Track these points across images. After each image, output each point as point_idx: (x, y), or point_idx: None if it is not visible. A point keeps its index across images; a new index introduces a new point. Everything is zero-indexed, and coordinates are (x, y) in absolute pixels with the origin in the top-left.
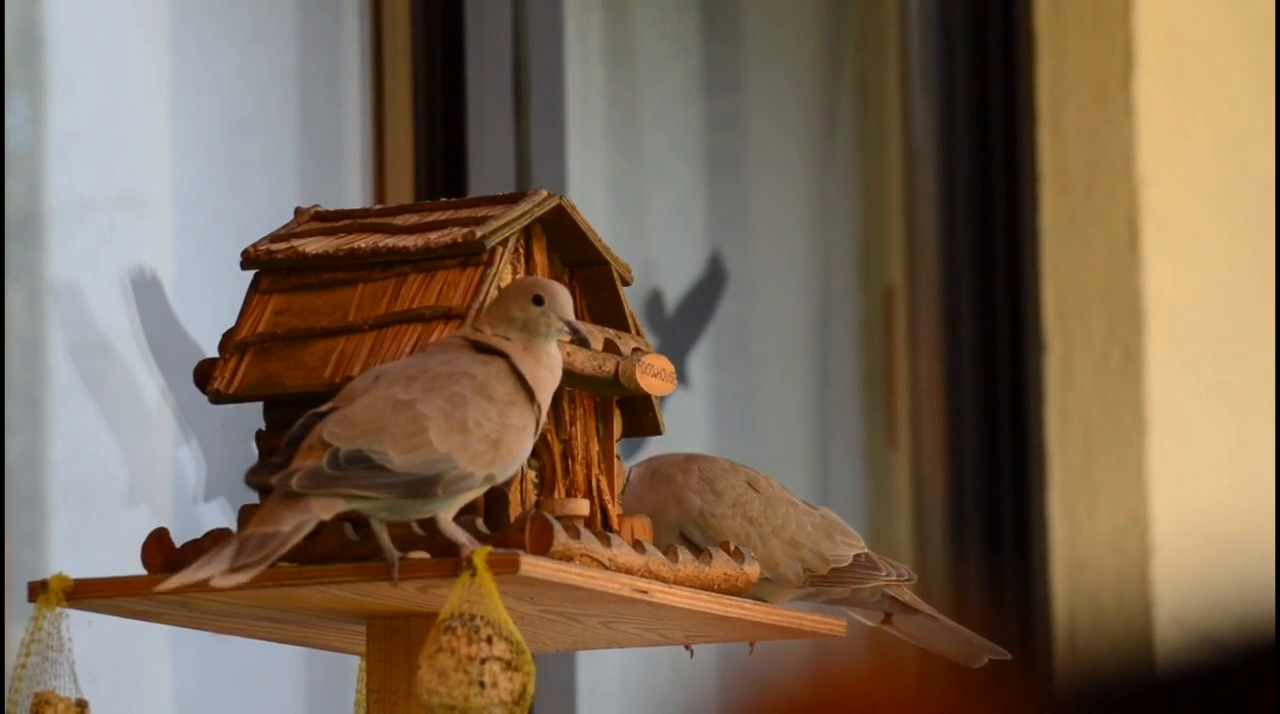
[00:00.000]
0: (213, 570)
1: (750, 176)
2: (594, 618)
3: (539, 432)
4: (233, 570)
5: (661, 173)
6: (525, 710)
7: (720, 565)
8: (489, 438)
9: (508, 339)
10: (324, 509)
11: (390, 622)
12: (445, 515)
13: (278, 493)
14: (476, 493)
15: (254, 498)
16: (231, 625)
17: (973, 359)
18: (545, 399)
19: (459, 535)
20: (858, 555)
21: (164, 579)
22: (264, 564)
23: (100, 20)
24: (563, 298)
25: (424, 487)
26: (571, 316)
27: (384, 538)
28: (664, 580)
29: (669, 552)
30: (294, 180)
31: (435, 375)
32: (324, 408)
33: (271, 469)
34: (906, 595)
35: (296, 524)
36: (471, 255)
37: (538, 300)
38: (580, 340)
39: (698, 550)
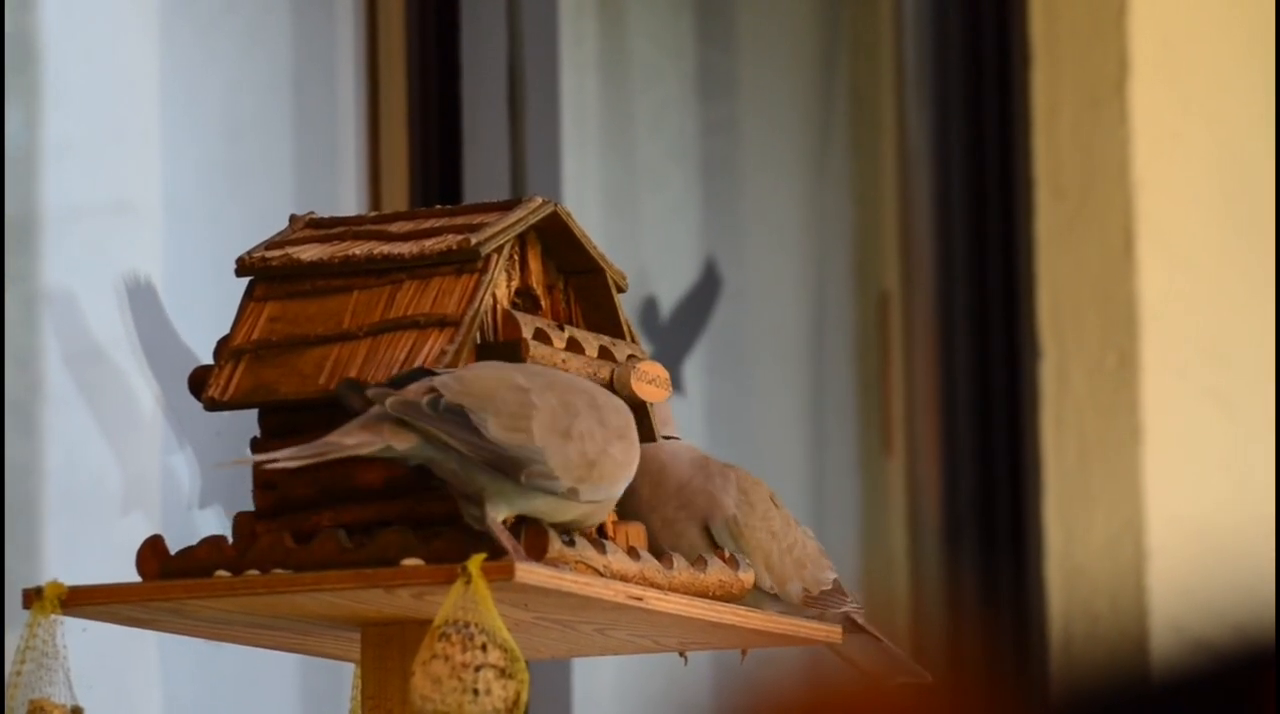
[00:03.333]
0: (270, 455)
1: (745, 183)
2: (589, 625)
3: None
4: (288, 458)
5: (656, 179)
6: None
7: (715, 572)
8: (586, 455)
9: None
10: (394, 437)
11: (385, 628)
12: (495, 515)
13: (366, 415)
14: (556, 505)
15: (248, 505)
16: (226, 633)
17: (968, 365)
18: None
19: (503, 538)
20: (834, 580)
21: (160, 585)
22: (313, 460)
23: (95, 27)
24: None
25: (509, 465)
26: None
27: (496, 528)
28: (659, 587)
29: (664, 559)
30: (288, 187)
31: (557, 380)
32: (440, 370)
33: (366, 388)
34: (861, 617)
35: (360, 441)
36: (466, 262)
37: None
38: None
39: (705, 558)
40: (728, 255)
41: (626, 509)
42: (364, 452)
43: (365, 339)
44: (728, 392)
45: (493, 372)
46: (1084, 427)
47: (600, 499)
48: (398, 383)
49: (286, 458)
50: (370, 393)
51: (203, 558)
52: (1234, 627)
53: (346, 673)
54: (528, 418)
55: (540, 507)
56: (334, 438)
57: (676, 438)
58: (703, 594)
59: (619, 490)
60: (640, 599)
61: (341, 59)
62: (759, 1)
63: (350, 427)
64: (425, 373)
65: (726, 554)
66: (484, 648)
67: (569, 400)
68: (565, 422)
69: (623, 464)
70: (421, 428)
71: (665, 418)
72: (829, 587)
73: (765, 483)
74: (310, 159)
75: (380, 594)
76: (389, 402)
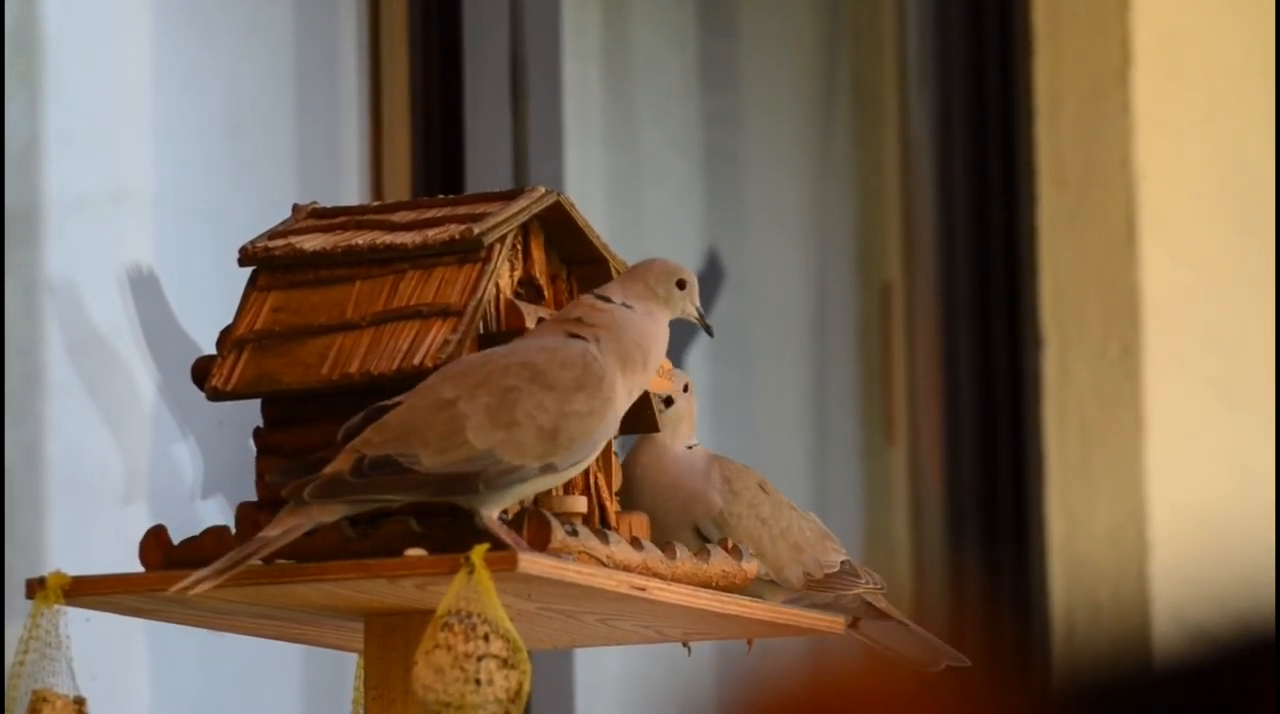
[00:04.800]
0: (198, 576)
1: (747, 173)
2: (592, 615)
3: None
4: (213, 575)
5: (659, 169)
6: (521, 708)
7: (718, 563)
8: (543, 429)
9: (629, 307)
10: (323, 512)
11: (388, 619)
12: (489, 512)
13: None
14: (541, 483)
15: (251, 494)
16: (229, 623)
17: (970, 355)
18: (655, 362)
19: (502, 534)
20: (843, 562)
21: (163, 576)
22: (243, 564)
23: (96, 18)
24: (696, 286)
25: (459, 485)
26: (699, 304)
27: (495, 526)
28: (662, 577)
29: (666, 549)
30: (291, 177)
31: (492, 369)
32: (390, 402)
33: (300, 471)
34: (882, 602)
35: (287, 528)
36: (469, 252)
37: (681, 284)
38: (707, 328)
39: (696, 550)
40: (730, 245)
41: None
42: (294, 536)
43: (368, 329)
44: (730, 381)
45: (418, 396)
46: (1086, 416)
47: (582, 458)
48: (350, 433)
49: (212, 574)
50: (284, 492)
51: (206, 548)
52: (1235, 616)
53: (349, 663)
54: (460, 431)
55: (529, 490)
56: (263, 534)
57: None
58: (706, 584)
59: (601, 437)
60: (643, 589)
61: (344, 49)
62: None
63: (279, 516)
64: (378, 411)
65: (730, 544)
66: (486, 638)
67: (504, 386)
68: (505, 414)
69: (589, 414)
70: (349, 500)
71: (691, 425)
72: (835, 569)
73: (753, 469)
74: (312, 149)
75: (383, 584)
76: (307, 493)
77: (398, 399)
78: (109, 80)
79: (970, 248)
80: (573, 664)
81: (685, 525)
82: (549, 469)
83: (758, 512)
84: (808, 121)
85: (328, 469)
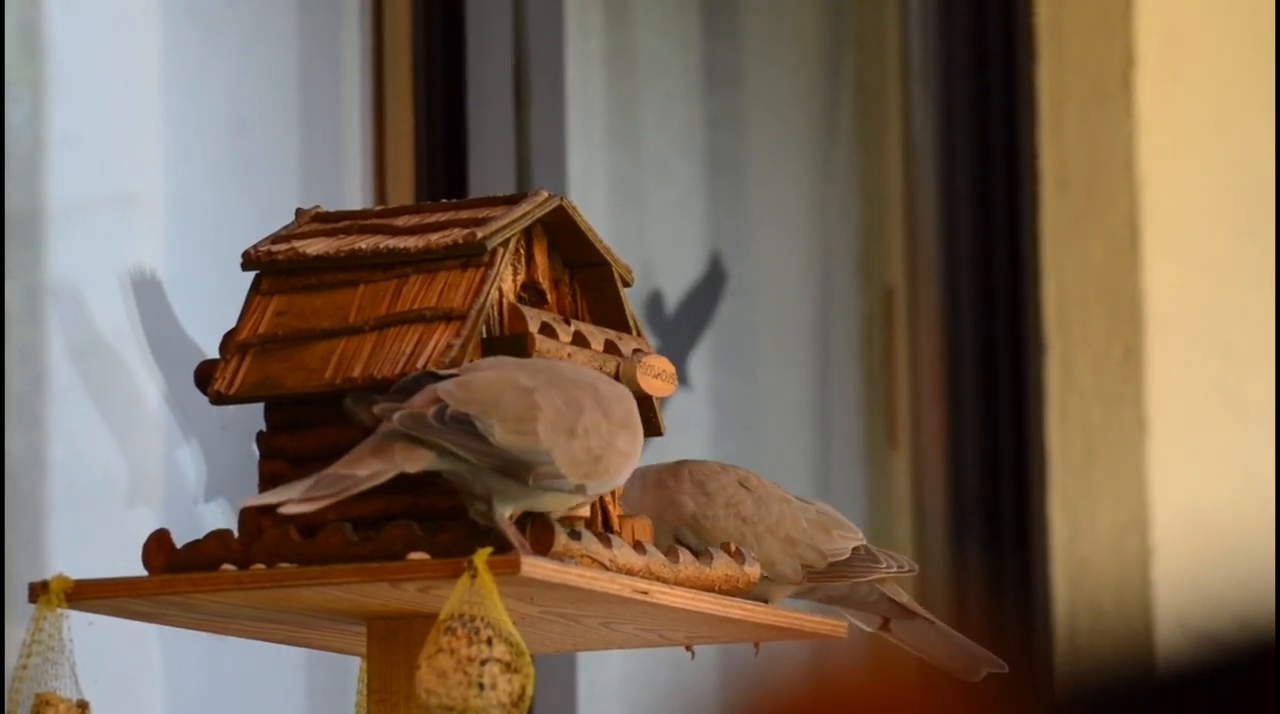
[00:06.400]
0: (285, 496)
1: (751, 176)
2: (594, 619)
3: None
4: (303, 500)
5: (662, 173)
6: (524, 712)
7: (721, 566)
8: (592, 450)
9: None
10: (407, 460)
11: (391, 622)
12: (503, 511)
13: (375, 435)
14: (563, 500)
15: None
16: (232, 626)
17: (973, 359)
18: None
19: (510, 534)
20: (856, 549)
21: (166, 579)
22: (332, 500)
23: (99, 19)
24: None
25: (517, 469)
26: None
27: (504, 525)
28: (665, 581)
29: (669, 552)
30: (294, 181)
31: (560, 375)
32: (443, 372)
33: (374, 404)
34: (904, 597)
35: (374, 471)
36: (472, 256)
37: None
38: None
39: (697, 552)
40: (733, 249)
41: None
42: (379, 481)
43: (371, 333)
44: (733, 385)
45: (495, 373)
46: (1089, 420)
47: (605, 492)
48: (403, 390)
49: (300, 500)
50: (377, 409)
51: (209, 552)
52: (1238, 619)
53: (352, 667)
54: (533, 420)
55: (547, 502)
56: (345, 470)
57: None
58: (708, 588)
59: (625, 478)
60: (646, 593)
61: (347, 52)
62: None
63: (361, 453)
64: (429, 377)
65: (733, 547)
66: (489, 642)
67: (573, 396)
68: (570, 419)
69: (628, 454)
70: (432, 442)
71: None
72: (844, 556)
73: (735, 467)
74: (316, 152)
75: (386, 588)
76: (397, 417)
77: (451, 371)
78: (113, 83)
79: (973, 251)
80: (575, 668)
81: (664, 535)
82: (579, 490)
83: (738, 510)
84: (811, 125)
85: (411, 405)
